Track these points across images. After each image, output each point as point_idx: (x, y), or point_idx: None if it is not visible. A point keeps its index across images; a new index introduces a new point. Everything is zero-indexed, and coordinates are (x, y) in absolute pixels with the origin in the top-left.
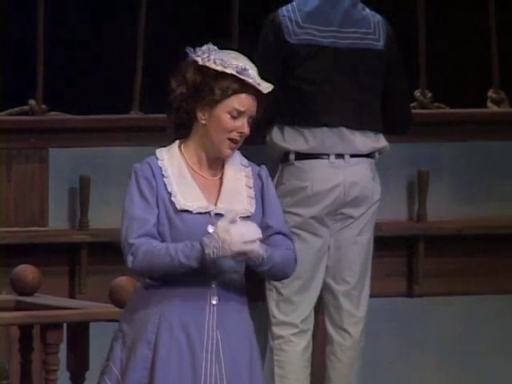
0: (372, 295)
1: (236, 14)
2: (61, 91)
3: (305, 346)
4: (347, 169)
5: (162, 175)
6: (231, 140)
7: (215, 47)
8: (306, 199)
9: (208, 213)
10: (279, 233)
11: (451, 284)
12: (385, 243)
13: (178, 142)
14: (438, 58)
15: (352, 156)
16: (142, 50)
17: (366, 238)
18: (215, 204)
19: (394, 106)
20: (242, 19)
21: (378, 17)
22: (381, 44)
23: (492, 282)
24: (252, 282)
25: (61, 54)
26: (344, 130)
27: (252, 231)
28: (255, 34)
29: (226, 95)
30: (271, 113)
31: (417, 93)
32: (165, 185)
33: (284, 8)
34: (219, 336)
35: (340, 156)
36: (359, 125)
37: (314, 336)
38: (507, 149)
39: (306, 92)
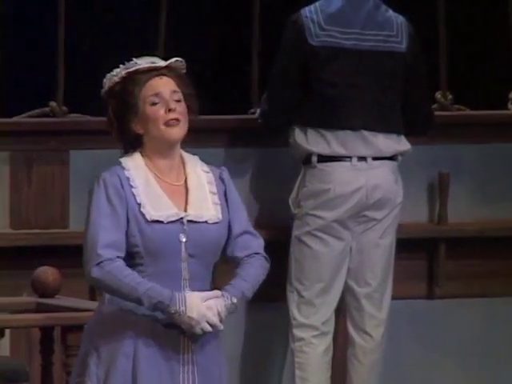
0: (392, 297)
1: (257, 13)
2: (82, 93)
3: (325, 348)
4: (369, 171)
5: (131, 186)
6: (168, 123)
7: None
8: (328, 202)
9: (179, 220)
10: (246, 232)
11: (472, 286)
12: (405, 245)
13: (138, 150)
14: (459, 60)
15: (374, 159)
16: (163, 52)
17: (389, 241)
18: (185, 210)
19: (415, 108)
20: (263, 19)
21: (401, 18)
22: (403, 46)
23: None
24: (272, 284)
25: (82, 56)
26: (366, 132)
27: (216, 323)
28: (277, 34)
29: (136, 93)
30: (290, 114)
31: (437, 94)
32: (134, 196)
33: (307, 9)
34: (192, 344)
35: (362, 159)
36: (381, 127)
37: (334, 338)
38: None
39: (328, 94)
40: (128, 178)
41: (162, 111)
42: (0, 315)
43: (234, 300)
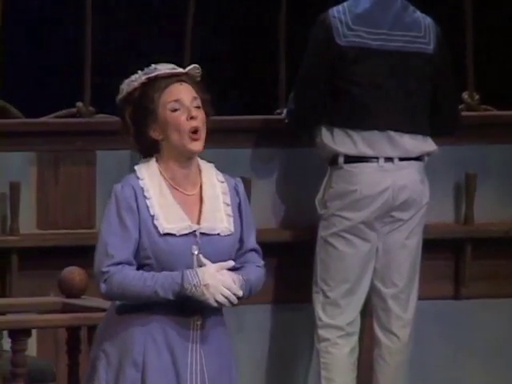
0: (419, 298)
1: (284, 13)
2: (108, 93)
3: (351, 348)
4: (396, 172)
5: (144, 196)
6: (190, 131)
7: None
8: (354, 203)
9: (192, 233)
10: (254, 250)
11: (498, 286)
12: (432, 246)
13: (154, 157)
14: (486, 60)
15: (401, 159)
16: (189, 53)
17: (415, 242)
18: (198, 222)
19: (442, 109)
20: (290, 18)
21: (429, 19)
22: (431, 48)
23: None
24: (297, 284)
25: (108, 56)
26: (392, 133)
27: (232, 286)
28: (304, 34)
29: (155, 99)
30: (317, 113)
31: (464, 95)
32: (147, 207)
33: (335, 9)
34: (203, 355)
35: (389, 159)
36: (408, 128)
37: (360, 339)
38: None
39: (355, 95)
40: (142, 188)
41: (183, 118)
42: (27, 315)
43: (245, 277)
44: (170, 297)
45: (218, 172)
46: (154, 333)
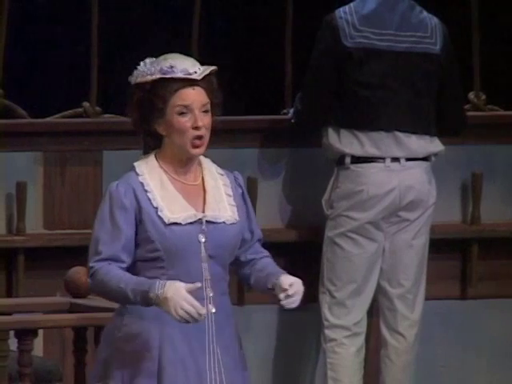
0: (425, 297)
1: (291, 13)
2: (115, 93)
3: (357, 348)
4: (403, 172)
5: (145, 190)
6: (193, 138)
7: (149, 60)
8: (361, 203)
9: (197, 221)
10: (260, 240)
11: (505, 286)
12: (438, 246)
13: (153, 153)
14: (492, 60)
15: (408, 159)
16: (196, 52)
17: (422, 242)
18: (203, 211)
19: (448, 109)
20: (296, 19)
21: (435, 20)
22: (437, 48)
23: None
24: (304, 284)
25: (115, 56)
26: (399, 133)
27: (194, 302)
28: (310, 34)
29: (166, 99)
30: (323, 114)
31: (471, 95)
32: (149, 200)
33: (341, 9)
34: (218, 344)
35: (396, 160)
36: (414, 128)
37: (367, 339)
38: None
39: (362, 95)
40: (142, 184)
41: (188, 124)
42: (33, 315)
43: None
44: (139, 302)
45: (217, 166)
46: (168, 324)
